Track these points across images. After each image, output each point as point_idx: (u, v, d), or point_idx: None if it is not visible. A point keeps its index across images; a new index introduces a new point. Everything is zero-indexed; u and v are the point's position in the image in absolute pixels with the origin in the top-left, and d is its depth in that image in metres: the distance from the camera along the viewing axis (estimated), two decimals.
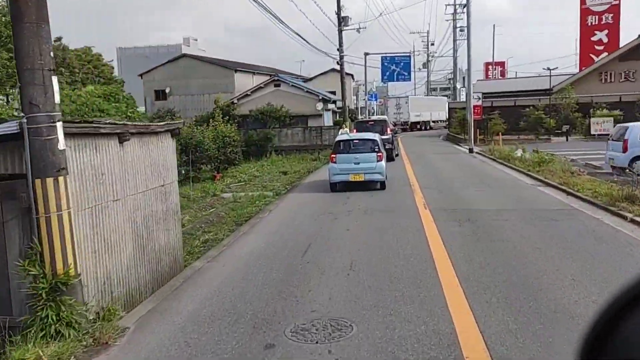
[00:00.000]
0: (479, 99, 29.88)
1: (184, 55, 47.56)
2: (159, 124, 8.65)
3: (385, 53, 52.02)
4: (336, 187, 14.95)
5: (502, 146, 23.76)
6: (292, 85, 35.29)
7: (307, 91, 35.20)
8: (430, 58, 71.28)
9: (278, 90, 35.44)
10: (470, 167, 20.74)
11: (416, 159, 24.37)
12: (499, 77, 63.41)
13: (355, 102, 68.36)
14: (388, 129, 24.13)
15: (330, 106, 36.71)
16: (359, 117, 50.89)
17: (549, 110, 32.57)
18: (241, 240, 9.95)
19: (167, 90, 49.03)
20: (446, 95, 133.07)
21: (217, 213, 14.08)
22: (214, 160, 23.37)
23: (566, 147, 25.15)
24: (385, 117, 38.23)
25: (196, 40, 58.57)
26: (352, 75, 52.42)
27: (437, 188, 14.95)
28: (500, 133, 30.40)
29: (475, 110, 29.32)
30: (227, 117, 35.16)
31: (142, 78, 49.54)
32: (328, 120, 36.65)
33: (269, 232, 10.34)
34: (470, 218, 10.31)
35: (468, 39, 28.46)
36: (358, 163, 14.69)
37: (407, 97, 60.51)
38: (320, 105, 34.80)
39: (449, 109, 43.66)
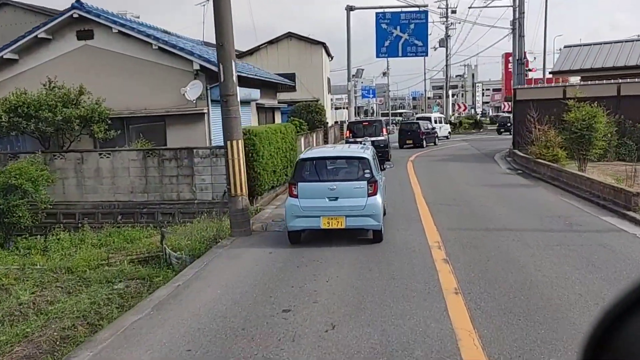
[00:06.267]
0: None
1: (5, 4, 25.25)
2: None
3: (383, 7, 29.69)
4: (299, 238, 9.04)
5: None
6: (124, 34, 12.89)
7: (159, 48, 12.73)
8: (449, 32, 48.63)
9: (88, 46, 13.16)
10: None
11: None
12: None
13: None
14: (383, 130, 22.24)
15: (243, 93, 13.31)
16: (326, 120, 28.60)
17: None
18: None
19: None
20: (453, 95, 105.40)
21: None
22: None
23: None
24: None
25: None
26: (323, 45, 30.05)
27: None
28: None
29: None
30: None
31: None
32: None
33: None
34: None
35: None
36: (336, 198, 8.66)
37: None
38: (193, 90, 12.45)
39: (515, 101, 21.24)
